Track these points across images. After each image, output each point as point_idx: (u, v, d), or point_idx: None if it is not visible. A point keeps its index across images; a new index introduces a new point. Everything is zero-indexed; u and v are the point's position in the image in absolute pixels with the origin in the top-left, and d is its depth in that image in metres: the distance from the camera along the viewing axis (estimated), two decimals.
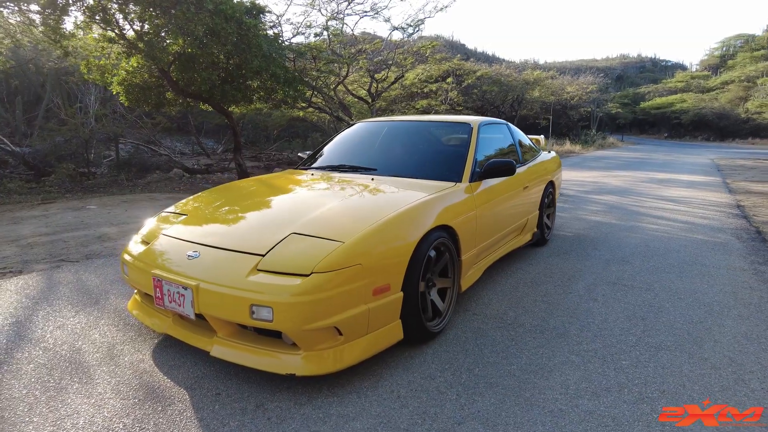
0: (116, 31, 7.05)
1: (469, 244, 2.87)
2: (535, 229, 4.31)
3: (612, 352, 2.48)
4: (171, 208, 2.87)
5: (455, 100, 16.89)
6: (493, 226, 3.28)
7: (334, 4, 12.33)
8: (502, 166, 3.12)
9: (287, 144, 19.72)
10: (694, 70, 76.13)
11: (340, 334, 2.03)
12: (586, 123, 36.43)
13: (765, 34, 71.05)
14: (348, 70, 11.60)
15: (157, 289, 2.19)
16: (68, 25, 6.81)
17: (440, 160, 3.32)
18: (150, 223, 2.72)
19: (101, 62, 8.22)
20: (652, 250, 4.52)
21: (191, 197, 3.05)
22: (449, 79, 16.05)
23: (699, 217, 6.34)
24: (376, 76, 12.37)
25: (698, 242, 4.88)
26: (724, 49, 72.97)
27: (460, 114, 20.20)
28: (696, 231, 5.43)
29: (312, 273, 1.96)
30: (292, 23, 9.52)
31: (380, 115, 14.63)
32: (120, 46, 7.44)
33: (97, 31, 7.58)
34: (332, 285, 1.96)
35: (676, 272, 3.85)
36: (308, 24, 10.47)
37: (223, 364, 2.26)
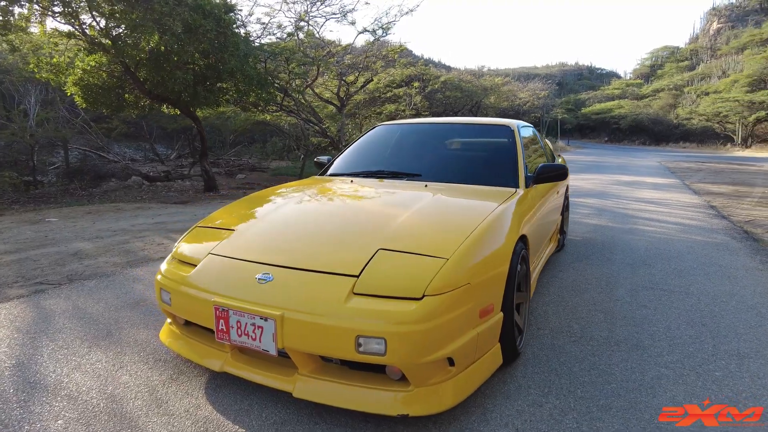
0: (77, 25, 6.37)
1: (534, 254, 2.69)
2: (559, 235, 4.22)
3: (698, 363, 2.36)
4: (205, 223, 2.48)
5: (419, 105, 16.88)
6: (542, 232, 3.13)
7: (300, 6, 11.93)
8: (555, 170, 2.97)
9: (246, 149, 18.99)
10: (628, 78, 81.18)
11: (451, 364, 1.77)
12: (537, 128, 37.77)
13: (687, 46, 77.13)
14: (317, 73, 11.24)
15: (221, 321, 1.84)
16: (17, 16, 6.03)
17: (489, 164, 3.12)
18: (186, 241, 2.33)
19: (54, 60, 7.43)
20: (664, 253, 4.55)
21: (221, 210, 2.65)
22: (416, 84, 16.02)
23: (685, 218, 6.55)
24: (346, 78, 12.08)
25: (701, 244, 4.98)
26: (654, 59, 78.46)
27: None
28: (691, 232, 5.57)
29: (424, 296, 1.69)
30: (262, 23, 8.97)
31: (349, 120, 14.34)
32: (80, 41, 6.74)
33: (50, 24, 6.84)
34: (446, 309, 1.70)
35: (701, 274, 3.86)
36: (278, 24, 10.03)
37: (302, 405, 1.92)
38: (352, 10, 18.49)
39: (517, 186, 2.83)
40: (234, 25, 6.98)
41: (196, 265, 2.09)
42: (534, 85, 38.53)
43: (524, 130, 3.55)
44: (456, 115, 23.22)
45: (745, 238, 5.30)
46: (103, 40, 6.59)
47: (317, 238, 2.11)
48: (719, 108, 36.64)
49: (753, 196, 9.37)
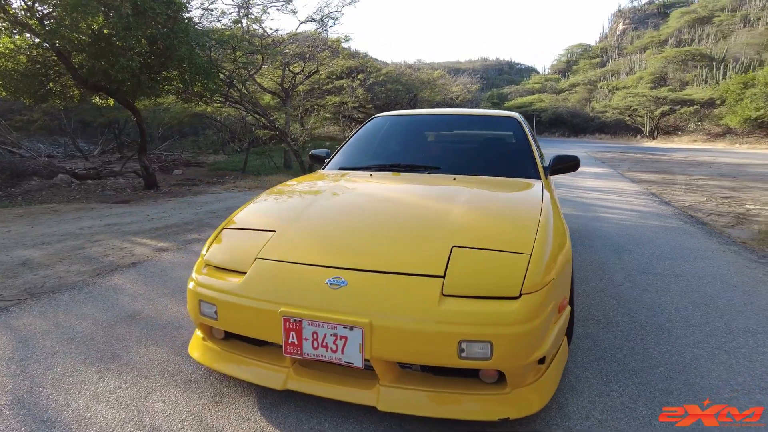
0: None
1: None
2: None
3: (720, 342, 2.50)
4: (231, 224, 2.21)
5: (362, 97, 16.74)
6: None
7: None
8: (569, 160, 3.02)
9: (177, 143, 17.86)
10: (547, 73, 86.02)
11: (541, 362, 1.71)
12: None
13: (598, 45, 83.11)
14: (262, 62, 10.73)
15: (291, 334, 1.64)
16: None
17: (505, 156, 3.09)
18: (218, 245, 2.06)
19: None
20: (636, 239, 4.83)
21: (244, 210, 2.36)
22: (360, 75, 15.83)
23: (637, 205, 7.02)
24: (291, 68, 11.63)
25: (663, 229, 5.35)
26: (569, 55, 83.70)
27: (367, 112, 20.13)
28: (649, 218, 5.97)
29: (521, 294, 1.61)
30: (204, 8, 8.27)
31: (294, 110, 13.88)
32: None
33: None
34: (542, 306, 1.64)
35: (678, 258, 4.13)
36: (222, 11, 9.41)
37: (377, 417, 1.78)
38: None
39: (538, 177, 2.83)
40: (184, 10, 6.43)
41: (241, 272, 1.86)
42: (463, 80, 39.71)
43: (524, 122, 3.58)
44: (396, 108, 23.33)
45: (695, 222, 5.77)
46: (30, 21, 5.81)
47: (378, 237, 1.95)
48: (630, 102, 39.86)
49: (678, 183, 10.27)
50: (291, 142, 11.33)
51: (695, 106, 36.20)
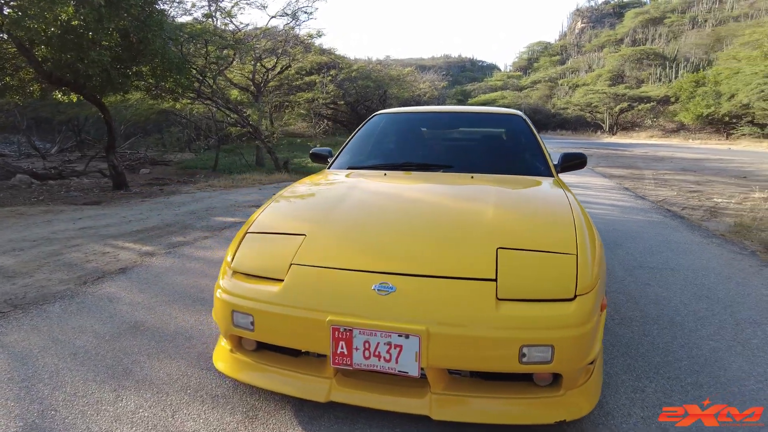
0: None
1: None
2: None
3: (732, 334, 2.57)
4: (256, 228, 2.08)
5: (332, 93, 16.55)
6: None
7: None
8: (577, 158, 3.04)
9: (141, 141, 17.17)
10: (509, 70, 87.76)
11: (590, 362, 1.70)
12: None
13: (557, 43, 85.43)
14: (233, 57, 10.41)
15: (341, 344, 1.57)
16: None
17: (515, 153, 3.08)
18: (245, 251, 1.94)
19: None
20: (625, 233, 4.95)
21: (265, 213, 2.22)
22: (333, 71, 15.62)
23: (616, 200, 7.22)
24: (264, 63, 11.33)
25: (646, 223, 5.52)
26: (530, 53, 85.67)
27: (337, 109, 19.94)
28: (631, 212, 6.15)
29: (576, 296, 1.59)
30: (175, 1, 7.89)
31: (266, 106, 13.56)
32: None
33: None
34: (594, 307, 1.62)
35: (668, 251, 4.26)
36: (192, 3, 9.06)
37: (423, 424, 1.72)
38: None
39: (551, 175, 2.84)
40: (158, 2, 6.13)
41: (276, 280, 1.75)
42: (430, 76, 39.97)
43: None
44: (367, 104, 23.22)
45: (673, 216, 5.98)
46: None
47: (421, 240, 1.88)
48: (590, 99, 41.20)
49: (647, 177, 10.66)
50: (265, 140, 11.06)
51: (652, 103, 37.78)
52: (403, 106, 31.55)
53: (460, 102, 57.68)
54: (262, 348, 1.86)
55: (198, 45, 8.61)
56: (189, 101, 9.81)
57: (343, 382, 1.69)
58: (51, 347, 2.34)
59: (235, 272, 1.86)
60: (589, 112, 42.75)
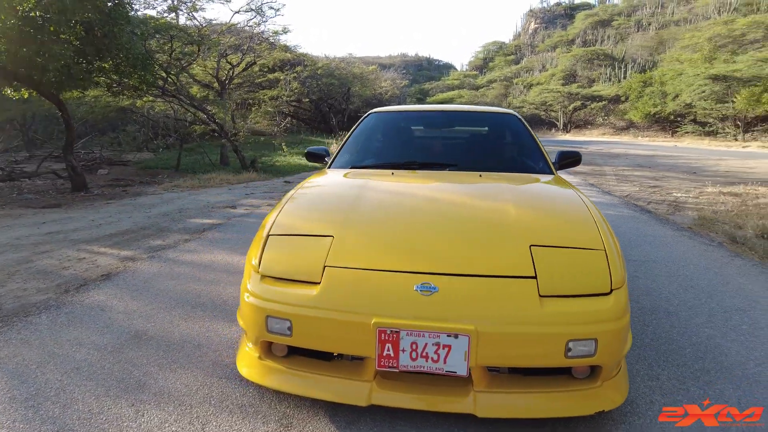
0: None
1: None
2: None
3: (722, 321, 2.73)
4: (277, 230, 2.00)
5: (297, 90, 16.32)
6: None
7: None
8: (573, 156, 3.13)
9: (95, 140, 16.33)
10: (465, 69, 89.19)
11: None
12: None
13: (512, 42, 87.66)
14: (198, 53, 10.07)
15: (387, 346, 1.55)
16: None
17: (516, 152, 3.13)
18: (271, 254, 1.87)
19: None
20: None
21: (281, 213, 2.11)
22: (299, 68, 15.37)
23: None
24: (229, 60, 11.00)
25: (619, 217, 5.76)
26: (486, 53, 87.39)
27: (300, 107, 19.66)
28: (600, 207, 6.33)
29: (612, 290, 1.64)
30: None
31: (230, 104, 13.20)
32: None
33: None
34: (627, 300, 1.68)
35: (645, 244, 4.47)
36: None
37: (460, 422, 1.73)
38: None
39: (551, 172, 2.91)
40: None
41: (311, 283, 1.71)
42: (391, 75, 40.11)
43: None
44: (330, 101, 23.03)
45: (641, 211, 6.28)
46: None
47: (454, 239, 1.87)
48: (545, 98, 42.54)
49: (608, 174, 11.14)
50: (231, 138, 10.77)
51: (603, 102, 39.44)
52: (366, 104, 31.51)
53: (420, 101, 58.14)
54: (293, 353, 1.82)
55: (162, 40, 8.25)
56: (152, 98, 9.39)
57: (383, 385, 1.68)
58: (49, 362, 2.19)
59: (264, 276, 1.80)
60: (544, 111, 44.14)
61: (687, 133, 29.47)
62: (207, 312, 2.78)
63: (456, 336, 1.51)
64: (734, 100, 24.90)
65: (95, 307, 2.85)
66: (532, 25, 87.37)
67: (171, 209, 6.32)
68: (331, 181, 2.73)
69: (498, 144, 3.26)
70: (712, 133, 27.65)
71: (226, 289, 3.17)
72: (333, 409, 1.82)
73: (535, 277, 1.65)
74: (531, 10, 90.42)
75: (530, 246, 1.78)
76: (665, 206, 6.70)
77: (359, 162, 3.04)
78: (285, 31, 12.46)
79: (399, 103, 40.33)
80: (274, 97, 14.60)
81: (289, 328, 1.66)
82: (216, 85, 11.87)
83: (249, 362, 1.87)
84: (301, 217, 2.14)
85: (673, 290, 3.23)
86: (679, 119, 30.51)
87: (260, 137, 15.70)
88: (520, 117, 3.38)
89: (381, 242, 1.87)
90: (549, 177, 2.78)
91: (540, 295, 1.60)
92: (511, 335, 1.53)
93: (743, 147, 22.23)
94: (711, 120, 27.77)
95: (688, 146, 24.13)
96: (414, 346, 1.54)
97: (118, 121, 16.70)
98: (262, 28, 11.53)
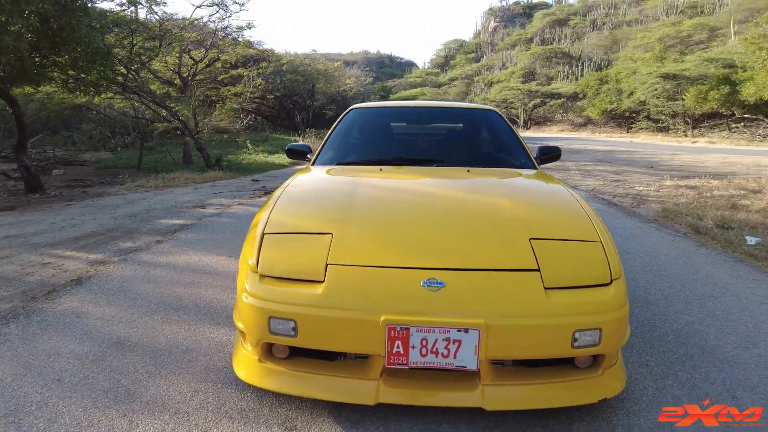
0: None
1: None
2: None
3: (698, 308, 2.86)
4: (272, 229, 1.94)
5: (260, 87, 16.02)
6: None
7: None
8: (552, 151, 3.20)
9: (47, 139, 15.49)
10: (426, 67, 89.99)
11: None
12: None
13: (472, 41, 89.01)
14: (160, 48, 9.70)
15: (397, 343, 1.53)
16: None
17: (499, 147, 3.16)
18: (269, 253, 1.81)
19: None
20: None
21: (274, 212, 2.03)
22: (264, 64, 15.04)
23: None
24: (193, 55, 10.64)
25: None
26: (447, 50, 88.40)
27: (264, 104, 19.28)
28: None
29: (612, 281, 1.68)
30: None
31: (193, 101, 12.80)
32: None
33: None
34: (626, 289, 1.73)
35: (615, 236, 4.62)
36: None
37: (467, 416, 1.74)
38: None
39: (534, 167, 2.97)
40: None
41: (314, 282, 1.67)
42: (355, 72, 39.91)
43: None
44: (294, 98, 22.72)
45: (609, 204, 6.51)
46: None
47: (455, 234, 1.87)
48: (506, 95, 43.44)
49: (571, 169, 11.49)
50: (195, 136, 10.46)
51: (562, 99, 40.63)
52: (330, 101, 31.21)
53: (383, 98, 58.25)
54: (294, 354, 1.77)
55: (122, 35, 7.89)
56: (111, 95, 8.96)
57: (390, 383, 1.66)
58: (26, 374, 2.05)
59: (263, 276, 1.74)
60: (505, 108, 45.06)
61: (641, 129, 30.78)
62: (191, 315, 2.68)
63: (466, 330, 1.51)
64: (684, 97, 26.16)
65: (69, 313, 2.69)
66: (492, 24, 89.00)
67: (137, 210, 6.07)
68: (320, 177, 2.68)
69: (481, 140, 3.29)
70: (665, 129, 29.00)
71: (207, 291, 3.07)
72: (336, 410, 1.79)
73: (538, 270, 1.67)
74: (491, 9, 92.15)
75: (530, 239, 1.80)
76: (629, 199, 6.96)
77: (344, 158, 3.00)
78: (249, 26, 12.18)
79: (363, 101, 40.31)
80: (237, 93, 14.24)
81: (294, 329, 1.61)
82: (177, 81, 11.47)
83: (247, 365, 1.81)
84: (295, 215, 2.09)
85: (649, 279, 3.35)
86: (634, 116, 31.81)
87: (223, 135, 15.32)
88: (500, 113, 3.42)
89: (383, 239, 1.85)
90: (533, 171, 2.83)
91: (545, 288, 1.63)
92: (520, 328, 1.54)
93: (692, 142, 23.43)
94: (663, 117, 29.10)
95: (643, 142, 25.21)
96: (424, 342, 1.53)
97: (71, 119, 15.90)
98: (225, 23, 11.21)
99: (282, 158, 14.02)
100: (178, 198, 7.14)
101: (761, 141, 22.54)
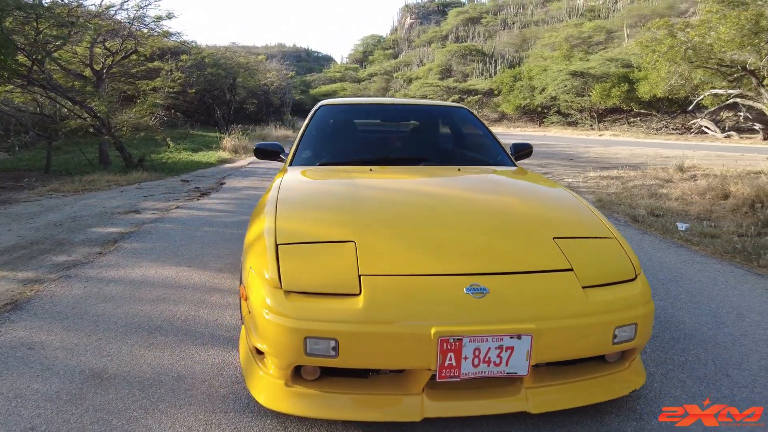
0: None
1: None
2: None
3: (684, 302, 3.06)
4: (285, 239, 1.77)
5: (180, 80, 15.01)
6: None
7: None
8: (525, 148, 3.29)
9: None
10: (345, 62, 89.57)
11: None
12: (282, 109, 38.16)
13: (389, 37, 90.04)
14: (69, 37, 8.70)
15: (450, 355, 1.47)
16: None
17: (479, 145, 3.18)
18: (290, 266, 1.65)
19: None
20: None
21: (280, 220, 1.86)
22: (184, 56, 14.03)
23: None
24: (108, 46, 9.65)
25: None
26: (365, 46, 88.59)
27: (183, 99, 18.07)
28: None
29: (636, 276, 1.75)
30: None
31: (115, 95, 11.68)
32: None
33: None
34: (647, 282, 1.80)
35: None
36: None
37: (504, 419, 1.72)
38: None
39: (513, 164, 3.03)
40: None
41: (349, 295, 1.55)
42: (276, 65, 38.73)
43: None
44: (215, 92, 21.58)
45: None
46: None
47: (482, 236, 1.83)
48: (425, 92, 44.47)
49: (533, 166, 11.99)
50: (115, 134, 9.56)
51: (479, 96, 42.36)
52: (251, 95, 29.93)
53: (303, 92, 57.02)
54: (324, 375, 1.64)
55: (24, 20, 6.93)
56: (11, 87, 7.84)
57: (433, 396, 1.59)
58: (13, 402, 1.72)
59: (288, 292, 1.59)
60: None
61: (553, 123, 32.97)
62: (169, 336, 2.42)
63: (519, 337, 1.49)
64: (590, 94, 28.39)
65: (18, 346, 2.31)
66: (408, 20, 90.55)
67: (61, 218, 5.40)
68: (311, 180, 2.53)
69: (459, 137, 3.30)
70: (574, 123, 31.30)
71: (178, 307, 2.79)
72: (364, 428, 1.69)
73: (571, 270, 1.69)
74: (406, 5, 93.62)
75: (554, 238, 1.82)
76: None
77: (326, 158, 2.87)
78: (170, 16, 11.28)
79: (285, 95, 39.20)
80: (156, 88, 13.20)
81: (334, 348, 1.49)
82: (88, 73, 10.39)
83: (270, 390, 1.65)
84: (304, 222, 1.95)
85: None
86: (545, 111, 33.98)
87: (140, 132, 14.22)
88: (471, 110, 3.46)
89: (412, 245, 1.77)
90: (513, 168, 2.88)
91: (582, 287, 1.65)
92: (567, 329, 1.55)
93: (599, 135, 25.50)
94: (572, 111, 31.39)
95: (556, 135, 27.00)
96: (477, 353, 1.48)
97: None
98: (142, 12, 10.29)
99: (207, 156, 13.29)
100: (105, 203, 6.47)
101: (655, 134, 25.14)
